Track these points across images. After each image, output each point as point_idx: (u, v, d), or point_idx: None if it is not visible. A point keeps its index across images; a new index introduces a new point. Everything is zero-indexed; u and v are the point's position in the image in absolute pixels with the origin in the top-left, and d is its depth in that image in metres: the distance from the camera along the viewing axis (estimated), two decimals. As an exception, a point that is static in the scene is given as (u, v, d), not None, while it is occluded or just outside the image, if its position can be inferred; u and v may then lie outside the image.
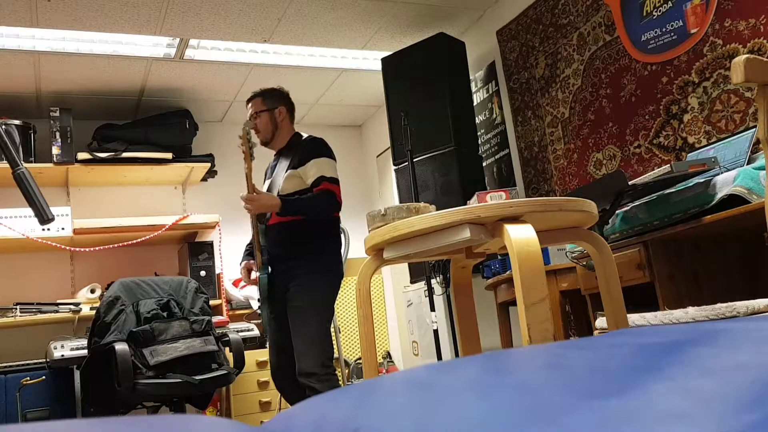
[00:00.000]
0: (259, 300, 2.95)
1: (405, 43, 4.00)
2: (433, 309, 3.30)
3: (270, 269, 2.88)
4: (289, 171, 2.89)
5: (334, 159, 2.93)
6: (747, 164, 2.14)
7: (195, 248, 4.30)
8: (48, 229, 3.86)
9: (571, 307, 2.92)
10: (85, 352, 3.21)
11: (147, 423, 0.47)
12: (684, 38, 2.76)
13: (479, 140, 4.06)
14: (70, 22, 3.45)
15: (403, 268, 4.47)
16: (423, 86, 3.75)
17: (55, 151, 4.05)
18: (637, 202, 2.27)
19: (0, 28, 3.44)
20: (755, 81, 1.33)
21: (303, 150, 2.93)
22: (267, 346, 3.13)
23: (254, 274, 2.94)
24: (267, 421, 0.58)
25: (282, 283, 2.86)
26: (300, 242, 2.86)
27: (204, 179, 4.75)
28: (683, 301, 2.04)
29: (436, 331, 3.30)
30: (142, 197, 4.71)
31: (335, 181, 2.86)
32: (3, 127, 1.77)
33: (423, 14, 3.87)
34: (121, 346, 2.82)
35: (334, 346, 2.93)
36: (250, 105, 3.03)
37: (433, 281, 3.42)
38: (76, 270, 4.42)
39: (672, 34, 2.81)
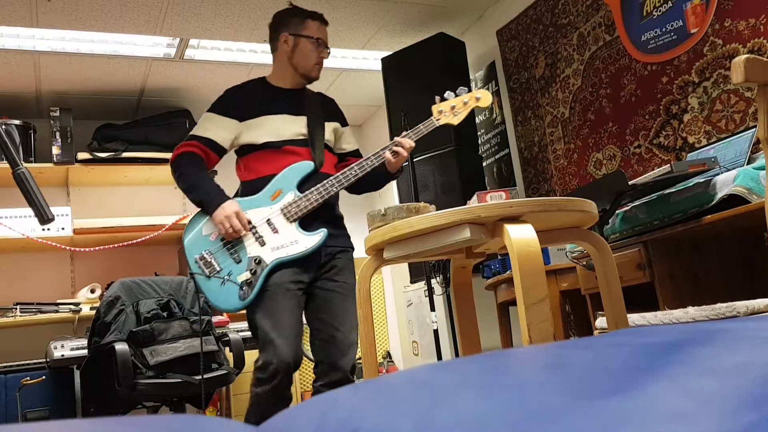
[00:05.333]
0: (271, 263, 2.17)
1: (405, 43, 4.00)
2: (433, 309, 3.30)
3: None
4: (333, 124, 2.45)
5: None
6: (747, 164, 2.14)
7: (195, 248, 4.30)
8: (48, 229, 3.86)
9: (571, 307, 2.92)
10: (85, 352, 3.21)
11: (147, 423, 0.47)
12: (684, 38, 2.76)
13: (479, 140, 4.06)
14: (70, 22, 3.45)
15: (403, 268, 4.47)
16: (423, 86, 3.75)
17: (55, 151, 4.06)
18: (637, 202, 2.27)
19: (0, 28, 3.45)
20: (755, 81, 1.33)
21: (335, 109, 2.51)
22: (271, 328, 2.16)
23: (293, 227, 2.22)
24: (267, 421, 0.58)
25: (324, 251, 2.28)
26: (339, 213, 2.43)
27: (204, 179, 4.75)
28: (683, 301, 2.04)
29: (436, 331, 3.31)
30: (142, 197, 4.70)
31: None
32: (3, 127, 1.77)
33: (423, 14, 3.87)
34: (121, 346, 2.82)
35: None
36: (321, 28, 2.44)
37: (433, 281, 3.42)
38: (76, 270, 4.42)
39: (672, 34, 2.81)
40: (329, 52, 2.44)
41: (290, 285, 2.19)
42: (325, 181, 2.24)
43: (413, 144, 2.26)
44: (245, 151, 2.39)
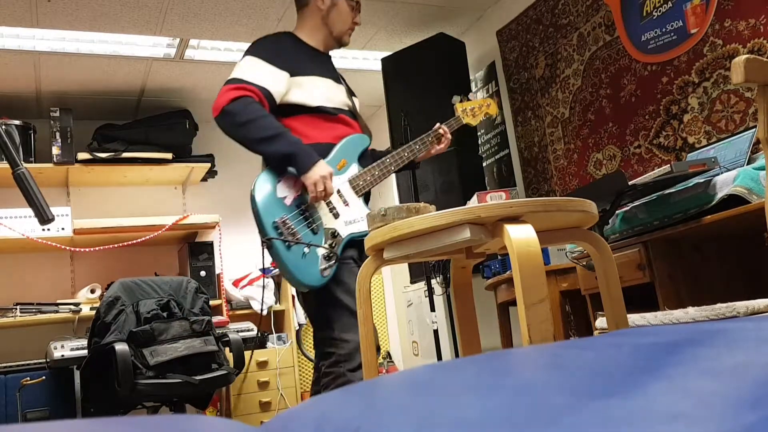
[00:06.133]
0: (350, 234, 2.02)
1: (405, 43, 4.00)
2: (433, 309, 3.30)
3: None
4: (357, 99, 2.37)
5: None
6: (747, 164, 2.14)
7: (195, 248, 4.31)
8: (48, 229, 3.86)
9: (571, 307, 2.92)
10: (85, 352, 3.21)
11: (147, 423, 0.47)
12: (684, 38, 2.76)
13: (479, 140, 4.06)
14: (70, 22, 3.45)
15: (403, 268, 4.47)
16: (423, 86, 3.75)
17: (55, 151, 4.06)
18: (637, 203, 2.27)
19: (0, 28, 3.45)
20: (755, 81, 1.33)
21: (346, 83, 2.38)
22: (350, 313, 1.97)
23: (361, 201, 2.08)
24: (267, 421, 0.58)
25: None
26: None
27: (204, 179, 4.75)
28: (683, 301, 2.04)
29: (436, 331, 3.30)
30: (142, 197, 4.71)
31: None
32: (3, 127, 1.77)
33: (423, 14, 3.87)
34: (121, 346, 2.82)
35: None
36: None
37: (433, 281, 3.42)
38: (76, 270, 4.42)
39: (672, 34, 2.81)
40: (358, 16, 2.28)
41: (358, 261, 2.04)
42: (384, 158, 2.13)
43: (450, 136, 2.33)
44: (290, 111, 2.08)
